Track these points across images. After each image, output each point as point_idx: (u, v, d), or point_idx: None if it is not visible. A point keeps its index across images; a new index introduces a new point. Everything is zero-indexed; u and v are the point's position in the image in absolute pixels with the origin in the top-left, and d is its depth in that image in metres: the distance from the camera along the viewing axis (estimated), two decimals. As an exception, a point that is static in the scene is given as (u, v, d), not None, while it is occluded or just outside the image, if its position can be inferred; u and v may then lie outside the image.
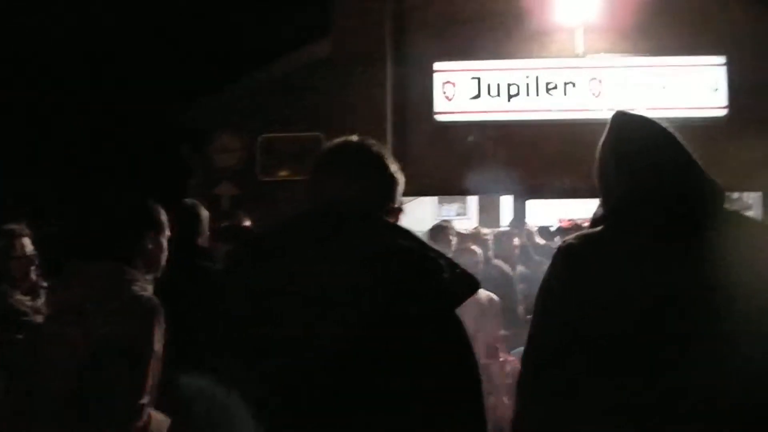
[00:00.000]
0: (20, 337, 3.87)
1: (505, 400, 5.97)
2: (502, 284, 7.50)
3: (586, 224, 2.91)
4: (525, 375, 2.52)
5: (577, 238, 2.56)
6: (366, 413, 2.07)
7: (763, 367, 2.24)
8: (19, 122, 11.88)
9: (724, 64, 10.40)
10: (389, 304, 2.11)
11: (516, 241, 8.67)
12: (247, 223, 7.00)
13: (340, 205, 2.33)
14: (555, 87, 10.50)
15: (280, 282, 2.17)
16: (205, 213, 5.32)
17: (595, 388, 2.33)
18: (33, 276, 4.80)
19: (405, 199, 2.55)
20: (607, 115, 2.72)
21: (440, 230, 8.23)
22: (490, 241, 8.30)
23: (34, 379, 3.34)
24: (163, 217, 3.75)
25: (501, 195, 12.29)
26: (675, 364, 2.28)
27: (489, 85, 10.56)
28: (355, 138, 2.53)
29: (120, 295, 3.41)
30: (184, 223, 5.10)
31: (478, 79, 10.58)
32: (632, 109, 2.74)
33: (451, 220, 10.40)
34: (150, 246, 3.65)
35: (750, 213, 11.33)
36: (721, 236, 2.40)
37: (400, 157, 2.55)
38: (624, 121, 2.65)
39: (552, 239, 9.79)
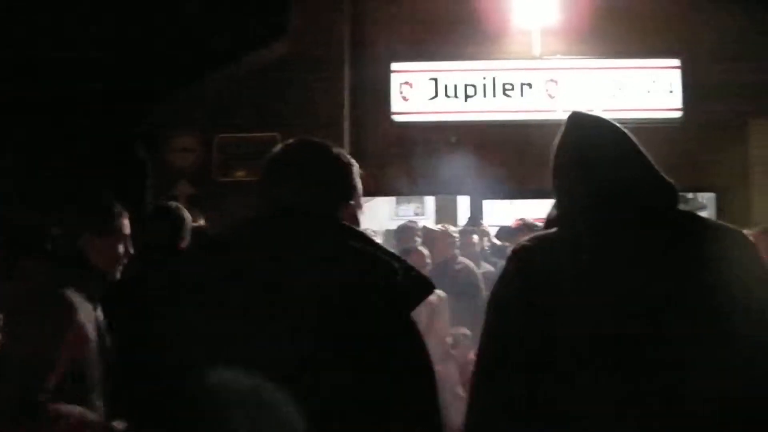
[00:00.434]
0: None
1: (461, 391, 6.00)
2: (469, 282, 7.55)
3: (540, 223, 2.91)
4: (477, 384, 2.48)
5: (532, 240, 2.54)
6: (319, 418, 2.04)
7: (727, 366, 2.26)
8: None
9: (679, 67, 10.51)
10: (342, 308, 2.09)
11: (475, 239, 8.71)
12: (202, 222, 6.96)
13: (292, 207, 2.30)
14: (512, 88, 10.55)
15: (233, 285, 2.15)
16: (188, 216, 5.28)
17: (551, 395, 2.33)
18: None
19: (363, 198, 2.54)
20: (563, 116, 2.71)
21: (405, 230, 8.27)
22: (457, 240, 8.33)
23: None
24: (117, 218, 3.70)
25: (458, 195, 12.31)
26: (636, 367, 2.27)
27: (446, 86, 10.59)
28: (308, 138, 2.51)
29: (36, 295, 3.41)
30: (166, 227, 5.07)
31: (436, 80, 10.60)
32: (588, 110, 2.74)
33: (404, 220, 10.45)
34: (93, 247, 3.61)
35: (704, 213, 11.47)
36: (676, 237, 2.42)
37: (357, 158, 2.54)
38: (579, 122, 2.64)
39: (510, 239, 9.83)
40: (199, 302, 2.18)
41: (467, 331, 6.76)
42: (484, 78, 10.59)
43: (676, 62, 10.53)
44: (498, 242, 9.61)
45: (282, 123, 9.33)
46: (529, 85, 10.55)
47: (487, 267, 8.45)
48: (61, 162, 11.65)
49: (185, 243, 5.22)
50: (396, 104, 10.61)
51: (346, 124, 10.15)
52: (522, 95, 10.55)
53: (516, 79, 10.59)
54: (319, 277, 2.12)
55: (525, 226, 8.01)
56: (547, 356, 2.33)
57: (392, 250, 2.34)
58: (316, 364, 2.05)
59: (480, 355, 2.50)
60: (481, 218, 10.93)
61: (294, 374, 2.04)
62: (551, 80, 10.55)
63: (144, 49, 9.35)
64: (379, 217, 12.74)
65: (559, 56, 10.69)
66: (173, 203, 5.41)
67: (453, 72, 10.63)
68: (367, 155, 9.40)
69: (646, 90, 10.53)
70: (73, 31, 10.86)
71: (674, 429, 2.23)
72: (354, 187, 2.46)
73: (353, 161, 2.49)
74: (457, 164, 9.53)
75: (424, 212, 14.11)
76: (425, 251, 6.93)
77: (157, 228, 4.95)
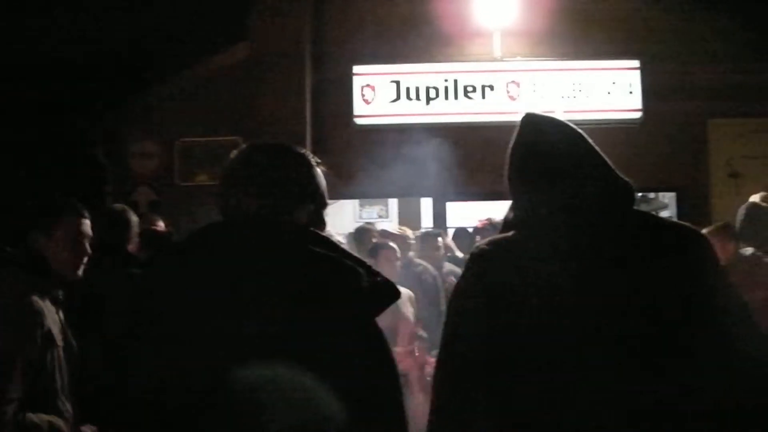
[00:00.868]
0: None
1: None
2: (428, 284, 7.56)
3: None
4: (440, 388, 2.49)
5: (490, 243, 2.55)
6: (283, 423, 2.03)
7: (676, 366, 2.28)
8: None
9: (639, 68, 10.60)
10: (306, 314, 2.07)
11: (440, 241, 8.72)
12: (161, 224, 6.93)
13: (251, 213, 2.28)
14: (473, 90, 10.59)
15: (197, 291, 2.12)
16: (134, 218, 5.25)
17: (513, 399, 2.34)
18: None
19: (327, 201, 2.52)
20: (525, 117, 2.72)
21: (363, 232, 8.25)
22: (413, 243, 8.32)
23: None
24: (67, 218, 3.66)
25: (421, 197, 12.32)
26: (594, 368, 2.28)
27: (408, 89, 10.60)
28: (268, 141, 2.49)
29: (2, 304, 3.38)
30: (114, 230, 5.04)
31: (398, 82, 10.61)
32: (542, 111, 2.74)
33: (373, 222, 10.44)
34: (45, 248, 3.58)
35: (664, 212, 11.59)
36: (632, 237, 2.43)
37: (320, 161, 2.52)
38: (533, 123, 2.64)
39: (470, 240, 9.84)
40: (160, 312, 2.16)
41: (424, 334, 6.76)
42: (446, 80, 10.61)
43: (636, 63, 10.61)
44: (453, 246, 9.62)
45: (244, 126, 9.31)
46: (491, 87, 10.59)
47: (450, 267, 8.47)
48: (19, 168, 11.52)
49: (133, 246, 5.20)
50: (358, 107, 10.60)
51: (308, 127, 10.12)
52: (483, 97, 10.59)
53: (477, 81, 10.63)
54: (279, 285, 2.09)
55: (491, 226, 8.04)
56: (507, 360, 2.34)
57: (357, 255, 2.32)
58: (279, 372, 2.02)
59: (441, 359, 2.51)
60: (445, 220, 10.96)
61: (256, 384, 2.02)
62: (512, 82, 10.59)
63: (105, 52, 9.26)
64: (342, 219, 12.71)
65: (520, 58, 10.73)
66: (120, 206, 5.39)
67: (415, 74, 10.65)
68: (329, 158, 9.28)
69: (606, 91, 10.61)
70: (32, 33, 10.75)
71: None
72: (317, 189, 2.43)
73: (316, 162, 2.47)
74: (420, 166, 9.54)
75: (387, 214, 14.09)
76: (395, 246, 6.91)
77: (104, 231, 4.93)
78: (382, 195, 12.69)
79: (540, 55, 10.72)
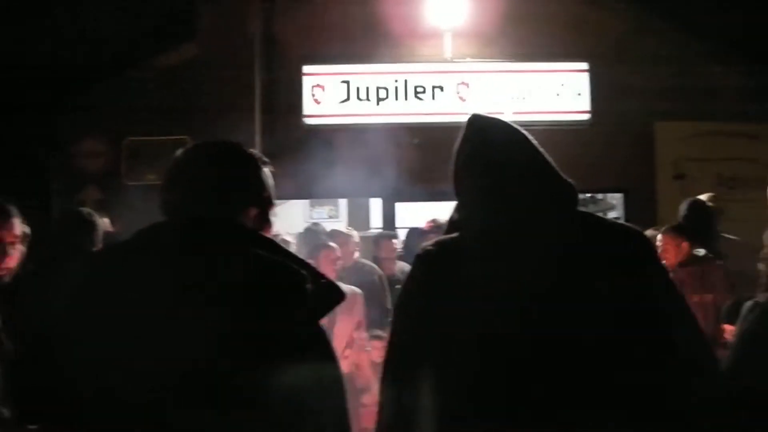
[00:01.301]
0: None
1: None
2: (375, 284, 7.56)
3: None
4: (386, 388, 2.50)
5: (435, 244, 2.55)
6: (227, 427, 2.01)
7: (617, 365, 2.30)
8: None
9: (587, 70, 10.70)
10: (246, 318, 2.05)
11: (394, 242, 8.72)
12: (109, 226, 6.86)
13: (194, 213, 2.25)
14: (423, 91, 10.62)
15: (136, 293, 2.08)
16: (100, 221, 5.19)
17: (456, 396, 2.34)
18: None
19: (276, 201, 2.49)
20: (474, 118, 2.72)
21: (310, 233, 8.23)
22: (358, 243, 8.30)
23: None
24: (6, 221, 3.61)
25: (371, 198, 12.32)
26: (534, 367, 2.30)
27: (358, 89, 10.61)
28: (213, 141, 2.46)
29: None
30: (79, 231, 4.98)
31: (348, 82, 10.61)
32: (489, 113, 2.75)
33: (321, 222, 10.40)
34: None
35: (612, 213, 11.70)
36: (575, 238, 2.45)
37: (270, 161, 2.50)
38: (479, 124, 2.66)
39: (420, 241, 9.83)
40: (97, 309, 2.12)
41: (382, 333, 6.76)
42: (396, 81, 10.63)
43: (585, 66, 10.72)
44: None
45: (193, 125, 9.23)
46: (441, 88, 10.63)
47: (402, 266, 8.47)
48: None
49: (99, 248, 5.14)
50: (308, 107, 10.58)
51: (258, 127, 10.07)
52: (433, 98, 10.62)
53: (427, 82, 10.66)
54: (220, 288, 2.06)
55: (436, 228, 8.05)
56: (451, 359, 2.34)
57: (300, 256, 2.30)
58: (220, 376, 2.00)
59: (387, 359, 2.51)
60: (394, 221, 10.96)
61: (196, 386, 1.99)
62: (462, 83, 10.64)
63: (53, 51, 9.13)
64: (292, 219, 12.67)
65: (470, 59, 10.78)
66: (86, 209, 5.32)
67: (365, 75, 10.65)
68: (279, 158, 9.26)
69: (555, 93, 10.70)
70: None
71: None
72: (263, 190, 2.41)
73: (263, 162, 2.45)
74: (370, 167, 9.54)
75: (338, 215, 14.07)
76: (335, 245, 6.90)
77: (70, 232, 4.88)
78: (332, 195, 12.66)
79: (490, 57, 10.77)
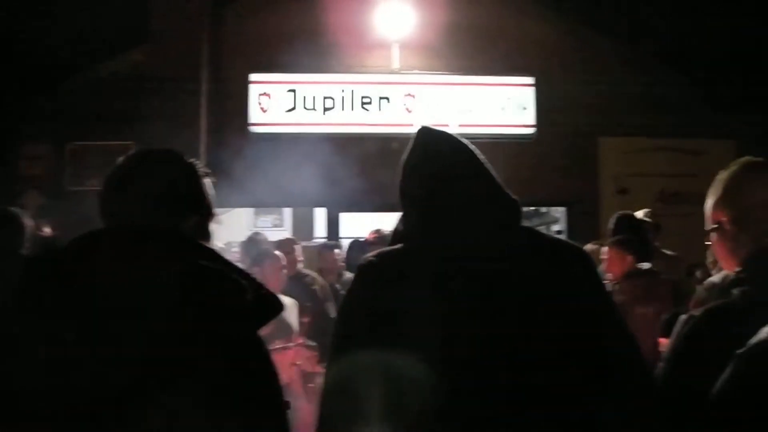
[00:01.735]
0: None
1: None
2: (316, 294, 7.55)
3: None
4: (326, 397, 2.49)
5: (377, 256, 2.55)
6: None
7: (547, 377, 2.31)
8: None
9: (533, 85, 10.80)
10: (187, 327, 2.02)
11: (337, 252, 8.71)
12: (47, 230, 6.79)
13: (131, 221, 2.22)
14: (370, 101, 10.63)
15: (70, 301, 2.05)
16: (29, 223, 5.12)
17: (399, 404, 2.34)
18: None
19: (220, 210, 2.48)
20: (420, 130, 2.73)
21: (252, 243, 8.19)
22: (300, 253, 8.27)
23: None
24: None
25: (315, 207, 12.30)
26: (470, 379, 2.30)
27: (305, 98, 10.59)
28: (154, 148, 2.43)
29: None
30: (3, 231, 4.91)
31: (294, 91, 10.59)
32: (437, 126, 2.75)
33: (266, 231, 10.35)
34: None
35: (556, 226, 11.82)
36: (516, 252, 2.46)
37: (215, 168, 2.48)
38: (427, 137, 2.66)
39: (361, 252, 9.83)
40: (27, 315, 2.08)
41: (311, 342, 6.74)
42: (343, 91, 10.64)
43: (530, 80, 10.81)
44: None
45: (138, 132, 9.14)
46: (387, 99, 10.65)
47: (349, 277, 8.45)
48: None
49: (25, 250, 5.08)
50: (254, 115, 10.54)
51: (204, 134, 9.99)
52: (380, 109, 10.64)
53: (374, 92, 10.68)
54: (158, 298, 2.03)
55: (380, 239, 8.06)
56: (392, 368, 2.34)
57: (243, 265, 2.29)
58: (154, 385, 1.97)
59: (328, 369, 2.51)
60: (338, 231, 10.95)
61: (126, 398, 1.96)
62: (409, 95, 10.67)
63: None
64: (237, 227, 12.60)
65: (417, 71, 10.82)
66: (14, 209, 5.25)
67: (312, 84, 10.64)
68: (224, 166, 9.27)
69: (500, 106, 10.77)
70: None
71: None
72: (203, 200, 2.39)
73: (204, 171, 2.43)
74: (315, 176, 9.53)
75: (282, 224, 14.04)
76: (281, 254, 6.88)
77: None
78: (277, 204, 12.62)
79: (437, 69, 10.83)
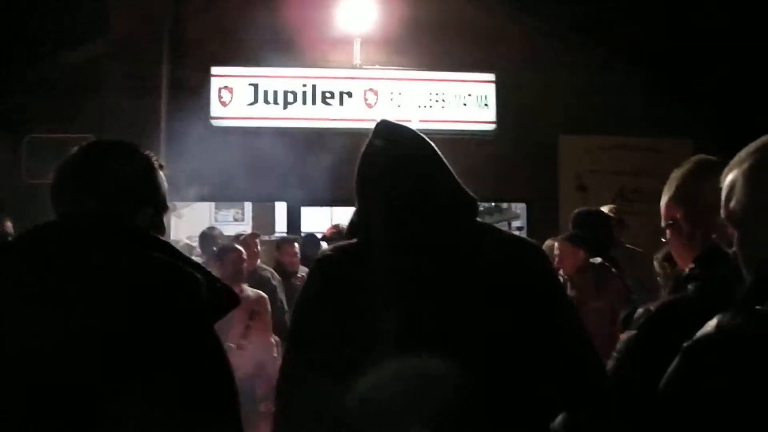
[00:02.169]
0: None
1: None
2: (272, 291, 7.55)
3: None
4: (282, 389, 2.52)
5: (333, 249, 2.59)
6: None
7: (497, 369, 2.35)
8: None
9: (494, 81, 10.84)
10: (140, 320, 2.00)
11: (296, 246, 8.71)
12: (9, 225, 6.73)
13: (83, 213, 2.19)
14: (331, 96, 10.63)
15: (18, 295, 2.03)
16: None
17: (353, 394, 2.36)
18: None
19: (180, 204, 2.48)
20: (382, 125, 2.74)
21: (206, 238, 8.19)
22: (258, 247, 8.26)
23: None
24: None
25: (276, 201, 12.28)
26: (424, 371, 2.32)
27: (266, 92, 10.56)
28: (107, 140, 2.41)
29: None
30: None
31: (256, 85, 10.56)
32: (397, 120, 2.77)
33: (226, 225, 10.33)
34: None
35: (517, 222, 11.90)
36: (469, 249, 2.49)
37: (175, 162, 2.48)
38: (385, 131, 2.67)
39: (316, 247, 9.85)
40: None
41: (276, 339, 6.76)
42: (304, 85, 10.62)
43: (492, 77, 10.85)
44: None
45: (97, 125, 9.07)
46: (349, 93, 10.65)
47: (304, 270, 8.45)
48: None
49: None
50: (215, 108, 10.50)
51: (164, 128, 9.95)
52: (341, 104, 10.64)
53: (336, 87, 10.68)
54: (111, 291, 2.02)
55: (338, 234, 8.07)
56: (347, 362, 2.36)
57: (197, 259, 2.28)
58: (105, 380, 1.96)
59: (284, 360, 2.53)
60: (299, 225, 10.95)
61: (77, 389, 1.95)
62: (370, 90, 10.68)
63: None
64: (197, 222, 12.54)
65: (378, 66, 10.83)
66: None
67: (273, 78, 10.61)
68: (185, 159, 9.22)
69: (461, 102, 10.80)
70: None
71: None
72: (157, 192, 2.37)
73: (159, 164, 2.42)
74: (276, 170, 9.51)
75: (243, 218, 14.00)
76: (241, 249, 6.88)
77: None
78: (237, 198, 12.58)
79: (399, 65, 10.84)
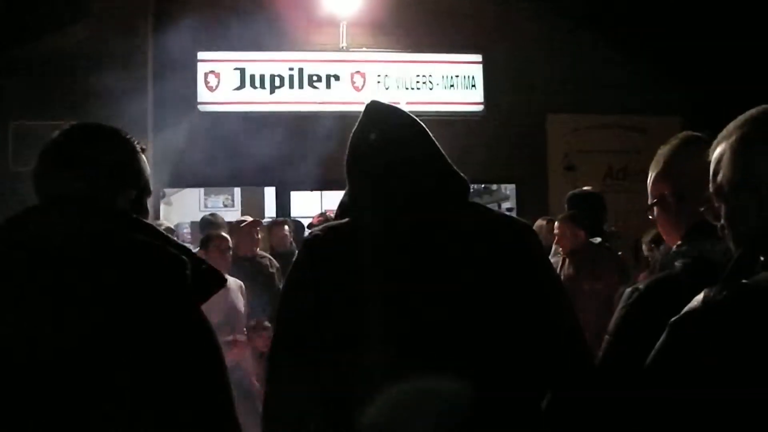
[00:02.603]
0: None
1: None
2: (270, 277, 7.56)
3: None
4: (272, 367, 2.54)
5: (323, 230, 2.58)
6: (100, 418, 1.95)
7: (485, 347, 2.36)
8: None
9: (481, 62, 10.83)
10: (124, 301, 2.00)
11: (286, 229, 8.72)
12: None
13: (65, 196, 2.19)
14: (318, 79, 10.61)
15: (2, 283, 2.03)
16: None
17: (336, 378, 2.38)
18: None
19: (169, 191, 2.47)
20: (370, 108, 2.74)
21: (206, 223, 8.18)
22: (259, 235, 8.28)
23: None
24: None
25: (265, 186, 12.27)
26: (417, 352, 2.34)
27: (252, 77, 10.54)
28: (89, 123, 2.39)
29: None
30: None
31: (242, 70, 10.53)
32: (387, 101, 2.77)
33: (216, 211, 10.32)
34: None
35: (506, 203, 11.91)
36: (460, 229, 2.49)
37: (162, 148, 2.48)
38: (375, 112, 2.67)
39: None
40: None
41: (267, 323, 6.77)
42: (291, 69, 10.60)
43: (479, 58, 10.85)
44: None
45: (83, 111, 9.03)
46: (336, 76, 10.63)
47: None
48: None
49: None
50: (202, 93, 10.47)
51: (150, 113, 9.90)
52: (328, 87, 10.63)
53: (323, 70, 10.66)
54: (95, 272, 2.01)
55: (325, 222, 8.08)
56: (336, 343, 2.38)
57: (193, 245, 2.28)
58: (90, 362, 1.95)
59: (274, 344, 2.56)
60: (289, 209, 10.94)
61: (62, 378, 1.94)
62: (358, 72, 10.67)
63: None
64: (187, 208, 12.53)
65: (365, 49, 10.81)
66: None
67: (259, 62, 10.59)
68: (173, 145, 9.21)
69: (449, 84, 10.80)
70: None
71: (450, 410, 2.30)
72: (139, 175, 2.36)
73: (140, 147, 2.40)
74: (264, 155, 9.50)
75: (233, 203, 14.00)
76: (226, 235, 6.88)
77: None
78: (227, 184, 12.56)
79: (385, 47, 10.83)
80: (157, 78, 10.11)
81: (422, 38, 10.77)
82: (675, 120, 10.15)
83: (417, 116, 2.68)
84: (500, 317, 2.37)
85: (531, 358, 2.39)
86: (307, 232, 8.72)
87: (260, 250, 8.11)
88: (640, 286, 2.30)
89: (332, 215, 3.56)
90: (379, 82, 10.67)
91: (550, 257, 5.50)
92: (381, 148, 2.57)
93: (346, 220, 2.57)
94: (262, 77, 10.54)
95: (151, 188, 2.41)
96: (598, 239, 6.69)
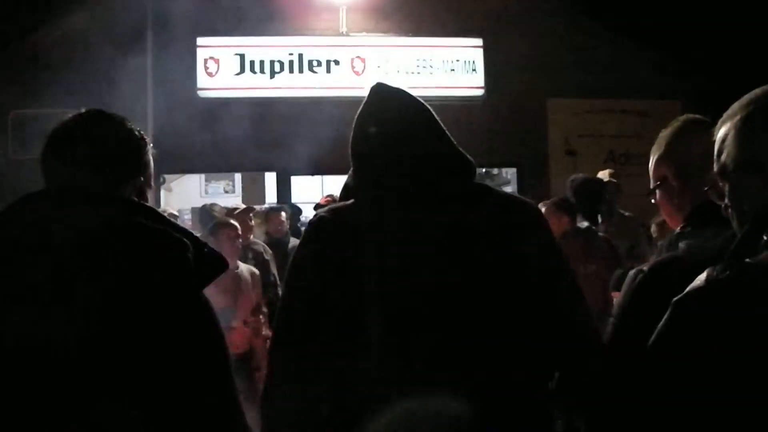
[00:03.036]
0: None
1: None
2: (264, 264, 7.56)
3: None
4: (273, 348, 2.53)
5: (329, 211, 2.57)
6: (107, 399, 1.95)
7: (504, 330, 2.36)
8: None
9: (482, 46, 10.81)
10: (129, 284, 2.00)
11: (283, 215, 8.72)
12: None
13: (70, 183, 2.19)
14: (318, 64, 10.59)
15: (6, 267, 2.02)
16: None
17: (342, 360, 2.37)
18: None
19: (170, 177, 2.47)
20: (370, 93, 2.73)
21: (206, 213, 8.18)
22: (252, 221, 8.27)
23: None
24: None
25: (265, 172, 12.26)
26: (422, 332, 2.34)
27: (252, 62, 10.52)
28: (93, 110, 2.37)
29: None
30: None
31: (242, 55, 10.52)
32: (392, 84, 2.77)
33: (217, 197, 10.31)
34: None
35: (508, 187, 11.91)
36: (468, 209, 2.48)
37: (163, 134, 2.47)
38: (381, 93, 2.66)
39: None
40: None
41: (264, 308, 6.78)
42: (291, 54, 10.58)
43: (479, 41, 10.82)
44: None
45: (83, 99, 9.00)
46: (336, 61, 10.62)
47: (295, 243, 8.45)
48: None
49: None
50: (201, 79, 10.45)
51: (150, 100, 9.89)
52: (329, 72, 10.61)
53: (323, 55, 10.64)
54: (96, 255, 2.01)
55: (333, 203, 8.06)
56: (341, 325, 2.37)
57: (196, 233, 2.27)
58: (96, 345, 1.95)
59: (277, 327, 2.54)
60: (290, 195, 10.93)
61: (71, 360, 1.93)
62: (358, 57, 10.64)
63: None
64: (188, 194, 12.52)
65: (365, 33, 10.79)
66: None
67: (259, 48, 10.57)
68: (173, 132, 9.18)
69: (449, 68, 10.78)
70: None
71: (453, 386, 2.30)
72: (143, 163, 2.36)
73: (144, 136, 2.39)
74: (265, 141, 9.49)
75: (234, 189, 13.98)
76: (235, 222, 6.87)
77: None
78: (226, 169, 12.55)
79: (385, 31, 10.81)
80: (157, 64, 10.09)
81: (422, 22, 10.75)
82: (676, 104, 10.13)
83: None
84: (510, 297, 2.37)
85: (540, 340, 2.38)
86: (312, 214, 8.73)
87: (255, 237, 8.12)
88: (645, 268, 2.30)
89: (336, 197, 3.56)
90: (379, 66, 10.64)
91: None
92: (386, 129, 2.56)
93: (351, 201, 2.56)
94: (261, 63, 10.52)
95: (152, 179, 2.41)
96: (585, 223, 6.69)
